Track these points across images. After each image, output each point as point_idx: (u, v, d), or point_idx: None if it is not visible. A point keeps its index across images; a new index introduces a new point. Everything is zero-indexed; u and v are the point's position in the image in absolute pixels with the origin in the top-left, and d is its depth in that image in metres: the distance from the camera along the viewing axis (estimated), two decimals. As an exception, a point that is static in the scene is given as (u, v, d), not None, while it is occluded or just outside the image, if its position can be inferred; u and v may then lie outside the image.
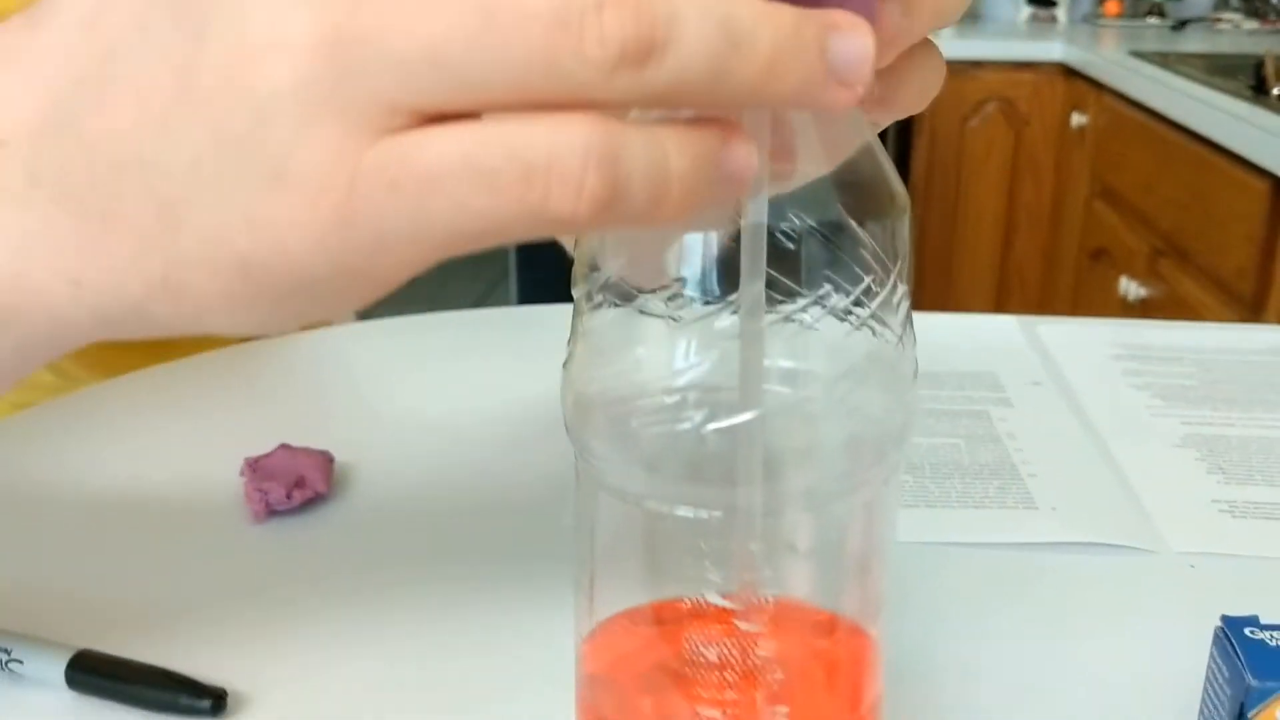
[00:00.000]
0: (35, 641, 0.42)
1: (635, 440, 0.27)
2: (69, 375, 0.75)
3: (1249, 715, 0.31)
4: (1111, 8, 2.90)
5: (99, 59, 0.26)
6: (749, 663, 0.27)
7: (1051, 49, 2.52)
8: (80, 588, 0.48)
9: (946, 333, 0.77)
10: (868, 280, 0.26)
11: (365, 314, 0.89)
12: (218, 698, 0.40)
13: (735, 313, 0.25)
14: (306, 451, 0.55)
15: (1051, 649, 0.45)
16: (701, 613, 0.27)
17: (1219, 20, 2.82)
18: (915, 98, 0.29)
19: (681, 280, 0.25)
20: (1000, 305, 2.63)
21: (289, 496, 0.52)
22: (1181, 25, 2.78)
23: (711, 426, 0.26)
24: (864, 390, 0.27)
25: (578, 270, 0.28)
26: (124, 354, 0.73)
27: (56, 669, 0.41)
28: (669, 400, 0.26)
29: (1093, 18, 2.93)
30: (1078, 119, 2.42)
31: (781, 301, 0.25)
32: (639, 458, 0.27)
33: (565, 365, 0.28)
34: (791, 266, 0.26)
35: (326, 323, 0.89)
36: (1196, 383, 0.69)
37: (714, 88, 0.23)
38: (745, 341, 0.25)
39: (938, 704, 0.41)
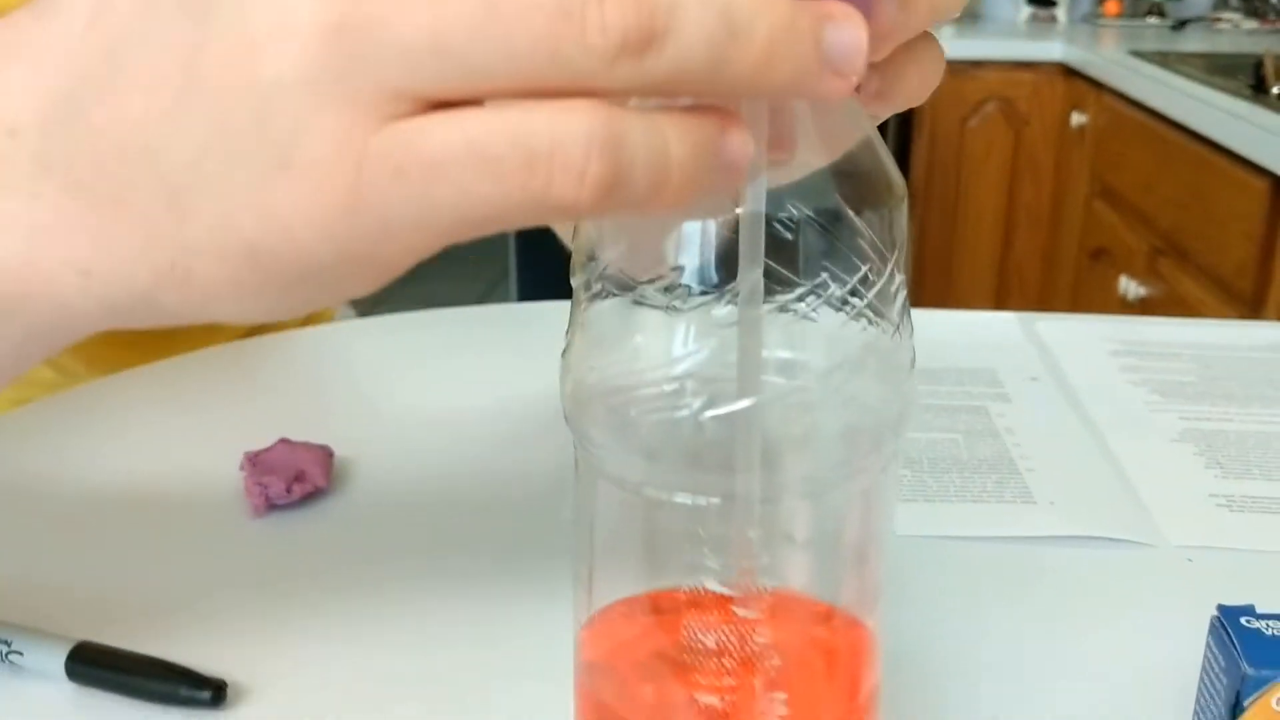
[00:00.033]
0: (35, 633, 0.42)
1: (634, 428, 0.27)
2: (68, 371, 0.75)
3: (1244, 704, 0.31)
4: (1111, 7, 2.90)
5: (106, 49, 0.26)
6: (747, 649, 0.27)
7: (1051, 49, 2.53)
8: (80, 581, 0.48)
9: (945, 329, 0.77)
10: (864, 269, 0.26)
11: (365, 311, 0.89)
12: (217, 689, 0.40)
13: (732, 301, 0.25)
14: (306, 446, 0.55)
15: (1049, 641, 0.45)
16: (700, 600, 0.28)
17: (1218, 20, 2.82)
18: (915, 90, 0.29)
19: (679, 269, 0.26)
20: (1000, 305, 2.63)
21: (288, 491, 0.52)
22: (1181, 25, 2.79)
23: (710, 414, 0.26)
24: (861, 379, 0.27)
25: (576, 259, 0.28)
26: (123, 350, 0.74)
27: (57, 661, 0.41)
28: (667, 388, 0.26)
29: (1092, 17, 2.93)
30: (1077, 118, 2.42)
31: (779, 290, 0.26)
32: (637, 445, 0.27)
33: (564, 354, 0.28)
34: (789, 255, 0.26)
35: (327, 315, 0.89)
36: (1195, 379, 0.70)
37: (713, 77, 0.23)
38: (743, 329, 0.25)
39: (936, 695, 0.42)
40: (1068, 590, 0.48)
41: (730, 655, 0.27)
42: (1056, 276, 2.54)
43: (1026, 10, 2.94)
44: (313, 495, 0.53)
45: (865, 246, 0.26)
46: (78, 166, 0.26)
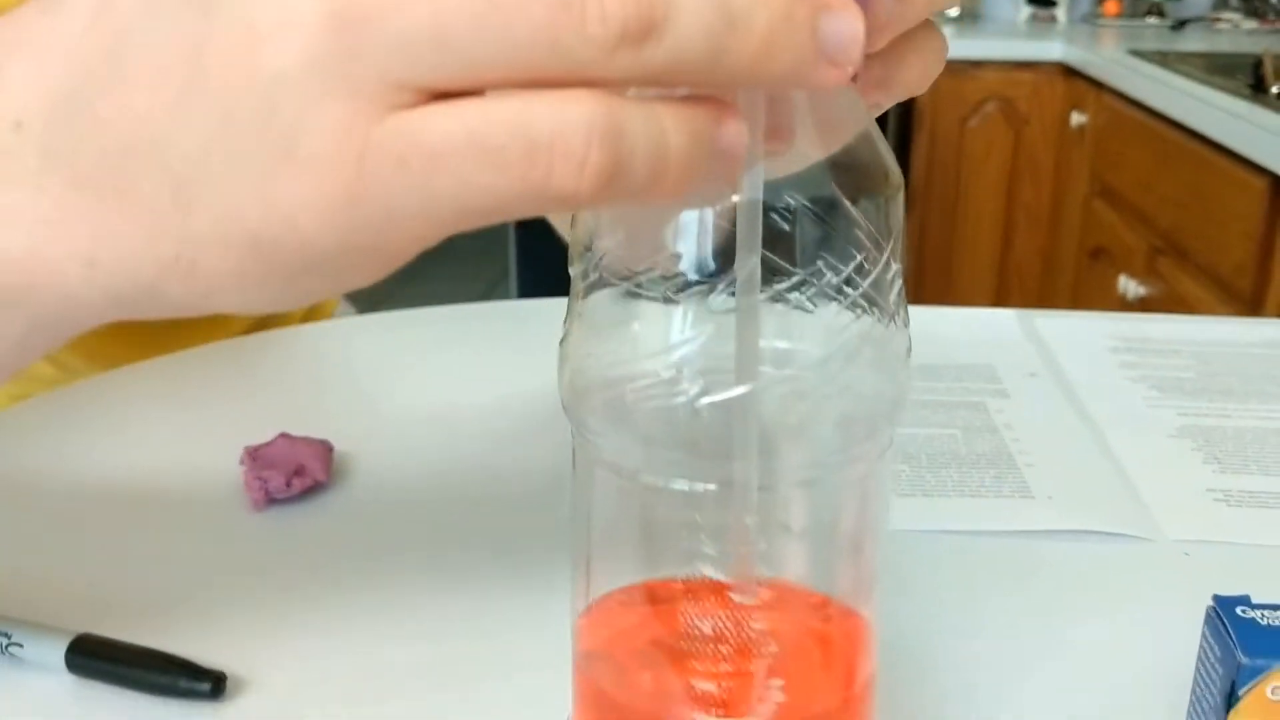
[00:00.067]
0: (35, 626, 0.42)
1: (631, 415, 0.28)
2: (68, 367, 0.75)
3: (1240, 693, 0.31)
4: (1111, 7, 2.90)
5: (111, 43, 0.26)
6: (743, 635, 0.27)
7: (1051, 49, 2.53)
8: (80, 575, 0.48)
9: (944, 326, 0.77)
10: (860, 258, 0.26)
11: (365, 310, 0.89)
12: (217, 680, 0.40)
13: (729, 289, 0.25)
14: (306, 441, 0.55)
15: (1047, 634, 0.45)
16: (697, 587, 0.28)
17: (1218, 20, 2.82)
18: (916, 79, 0.29)
19: (676, 257, 0.26)
20: (1000, 304, 2.62)
21: (288, 485, 0.53)
22: (1181, 25, 2.79)
23: (707, 400, 0.26)
24: (857, 367, 0.27)
25: (573, 249, 0.28)
26: (123, 346, 0.74)
27: (57, 653, 0.41)
28: (665, 375, 0.26)
29: (1092, 17, 2.93)
30: (1077, 118, 2.42)
31: (775, 278, 0.26)
32: (635, 432, 0.28)
33: (561, 343, 0.29)
34: (785, 244, 0.26)
35: (327, 312, 0.89)
36: (1193, 375, 0.70)
37: (711, 66, 0.23)
38: (741, 316, 0.25)
39: (934, 688, 0.42)
40: (1065, 584, 0.48)
41: (727, 642, 0.27)
42: (1056, 276, 2.54)
43: (1026, 10, 2.94)
44: (312, 489, 0.54)
45: (861, 235, 0.27)
46: (83, 159, 0.27)
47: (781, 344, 0.27)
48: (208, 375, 0.68)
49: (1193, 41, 2.56)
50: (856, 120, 0.28)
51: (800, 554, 0.29)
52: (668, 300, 0.26)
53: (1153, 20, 2.86)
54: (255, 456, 0.53)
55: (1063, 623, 0.46)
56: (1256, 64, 1.84)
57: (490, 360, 0.71)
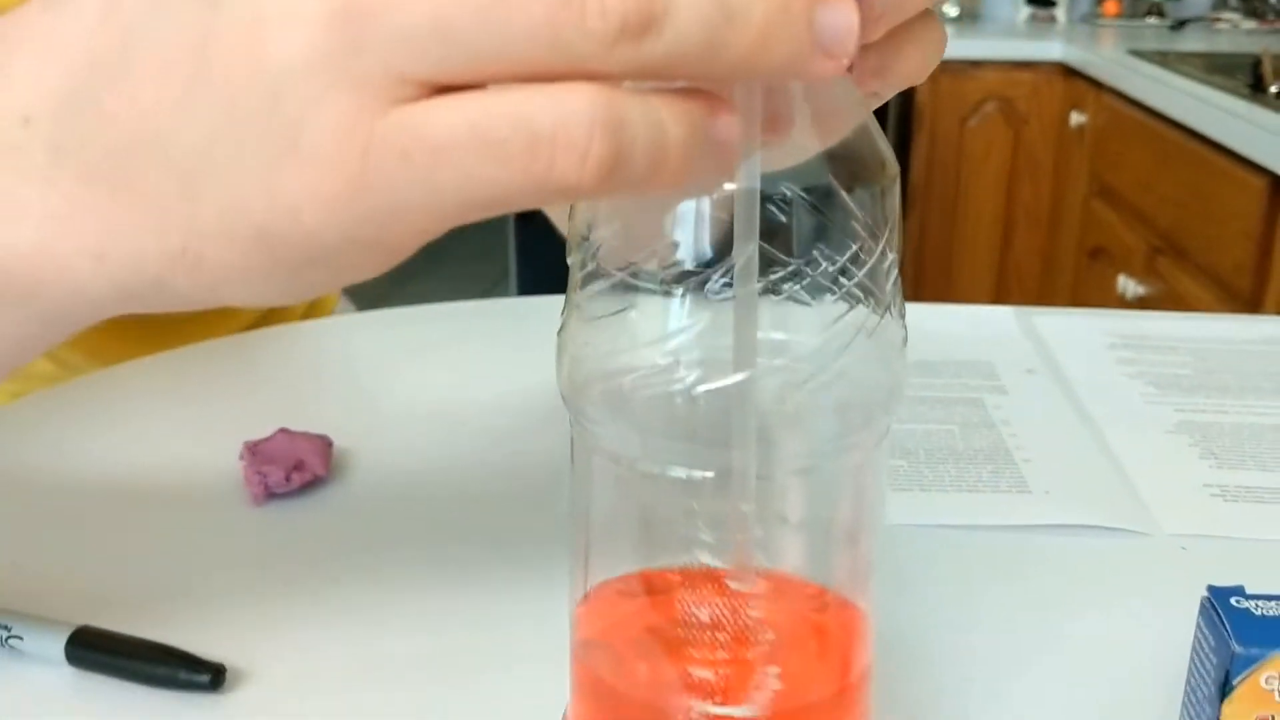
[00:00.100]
0: (35, 618, 0.42)
1: (629, 403, 0.28)
2: (67, 364, 0.75)
3: (1234, 682, 0.31)
4: (1110, 8, 2.90)
5: (118, 38, 0.27)
6: (740, 622, 0.27)
7: (1050, 49, 2.53)
8: (80, 569, 0.48)
9: (943, 322, 0.77)
10: (856, 247, 0.27)
11: (365, 308, 0.90)
12: (216, 672, 0.40)
13: (724, 277, 0.26)
14: (305, 436, 0.55)
15: (1043, 626, 0.45)
16: (694, 575, 0.28)
17: (1218, 20, 2.82)
18: (914, 69, 0.29)
19: (674, 245, 0.26)
20: (999, 303, 2.60)
21: (288, 479, 0.53)
22: (1180, 25, 2.79)
23: (706, 387, 0.26)
24: (853, 355, 0.27)
25: (571, 239, 0.28)
26: (123, 343, 0.74)
27: (56, 645, 0.41)
28: (662, 363, 0.26)
29: (1091, 17, 2.93)
30: (1076, 118, 2.43)
31: (771, 268, 0.26)
32: (632, 420, 0.28)
33: (560, 332, 0.29)
34: (781, 233, 0.26)
35: (327, 310, 0.89)
36: (1190, 371, 0.70)
37: (709, 59, 0.24)
38: (739, 304, 0.26)
39: (930, 679, 0.42)
40: (1062, 578, 0.49)
41: (724, 629, 0.28)
42: (1056, 275, 2.54)
43: (1026, 10, 2.95)
44: (312, 484, 0.54)
45: (857, 225, 0.27)
46: (91, 154, 0.27)
47: (778, 335, 0.27)
48: (208, 371, 0.68)
49: (1192, 41, 2.57)
50: (854, 112, 0.28)
51: (797, 543, 0.30)
52: (665, 289, 0.26)
53: (1152, 20, 2.86)
54: (255, 451, 0.53)
55: (1059, 616, 0.46)
56: (1255, 64, 1.85)
57: (490, 357, 0.71)
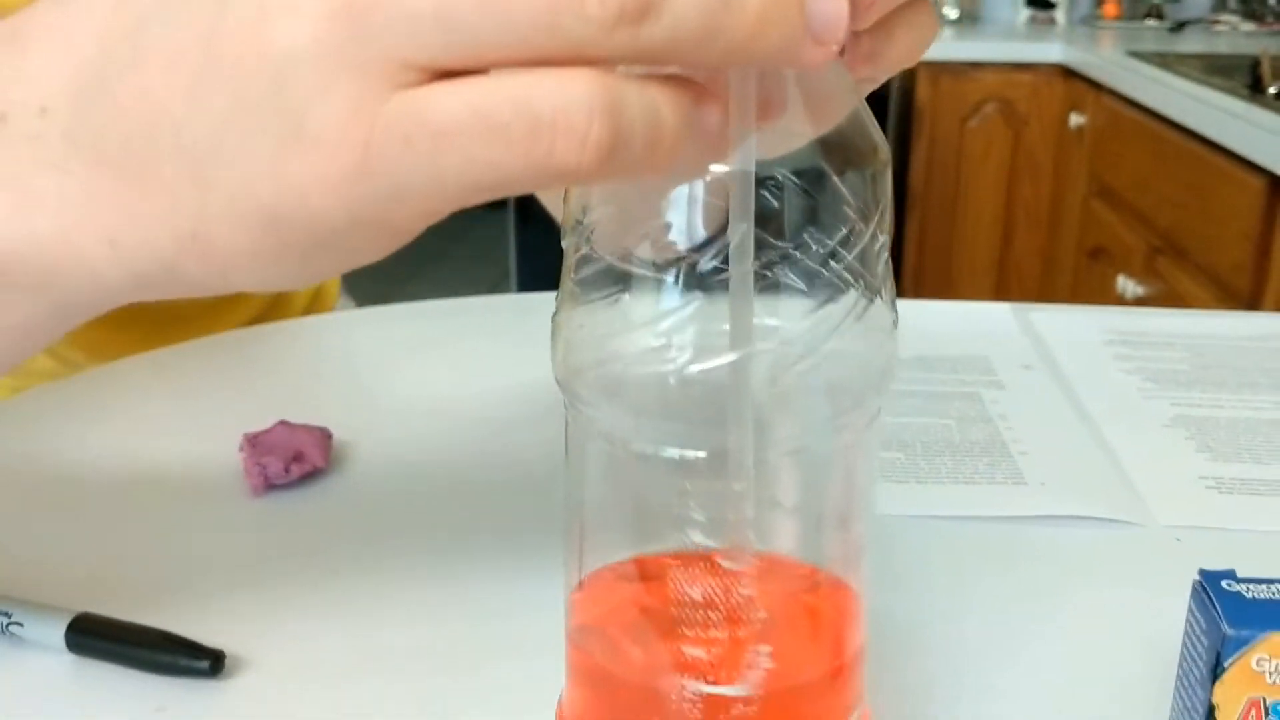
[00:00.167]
0: (36, 605, 0.42)
1: (623, 384, 0.28)
2: (67, 360, 0.75)
3: (1225, 664, 0.32)
4: (1110, 9, 2.91)
5: (129, 29, 0.27)
6: (733, 601, 0.28)
7: (1050, 50, 2.54)
8: (81, 558, 0.48)
9: (940, 319, 0.77)
10: (846, 230, 0.27)
11: (365, 305, 0.90)
12: (216, 659, 0.40)
13: (716, 259, 0.26)
14: (305, 428, 0.55)
15: (1038, 614, 0.45)
16: (687, 555, 0.28)
17: (1217, 22, 2.83)
18: (906, 53, 0.30)
19: (666, 227, 0.26)
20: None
21: (287, 470, 0.53)
22: (1179, 27, 2.79)
23: (699, 368, 0.26)
24: (843, 338, 0.27)
25: (566, 222, 0.29)
26: (123, 340, 0.74)
27: (57, 632, 0.41)
28: (655, 344, 0.27)
29: (1091, 19, 2.94)
30: (1076, 119, 2.43)
31: (762, 249, 0.26)
32: (626, 401, 0.28)
33: (554, 315, 0.29)
34: (773, 216, 0.26)
35: (327, 306, 0.90)
36: (1187, 367, 0.70)
37: (705, 45, 0.24)
38: (734, 283, 0.26)
39: (924, 663, 0.42)
40: (1056, 567, 0.49)
41: (716, 608, 0.28)
42: (1055, 276, 2.55)
43: (1026, 12, 2.95)
44: (311, 475, 0.54)
45: (848, 208, 0.27)
46: (105, 143, 0.28)
47: (769, 317, 0.27)
48: (208, 366, 0.69)
49: (1191, 43, 2.57)
50: (847, 98, 0.28)
51: (789, 524, 0.30)
52: (658, 271, 0.27)
53: (1151, 22, 2.87)
54: (254, 443, 0.54)
55: (1053, 604, 0.46)
56: (1254, 65, 1.85)
57: (489, 352, 0.71)
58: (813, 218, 0.27)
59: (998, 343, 0.73)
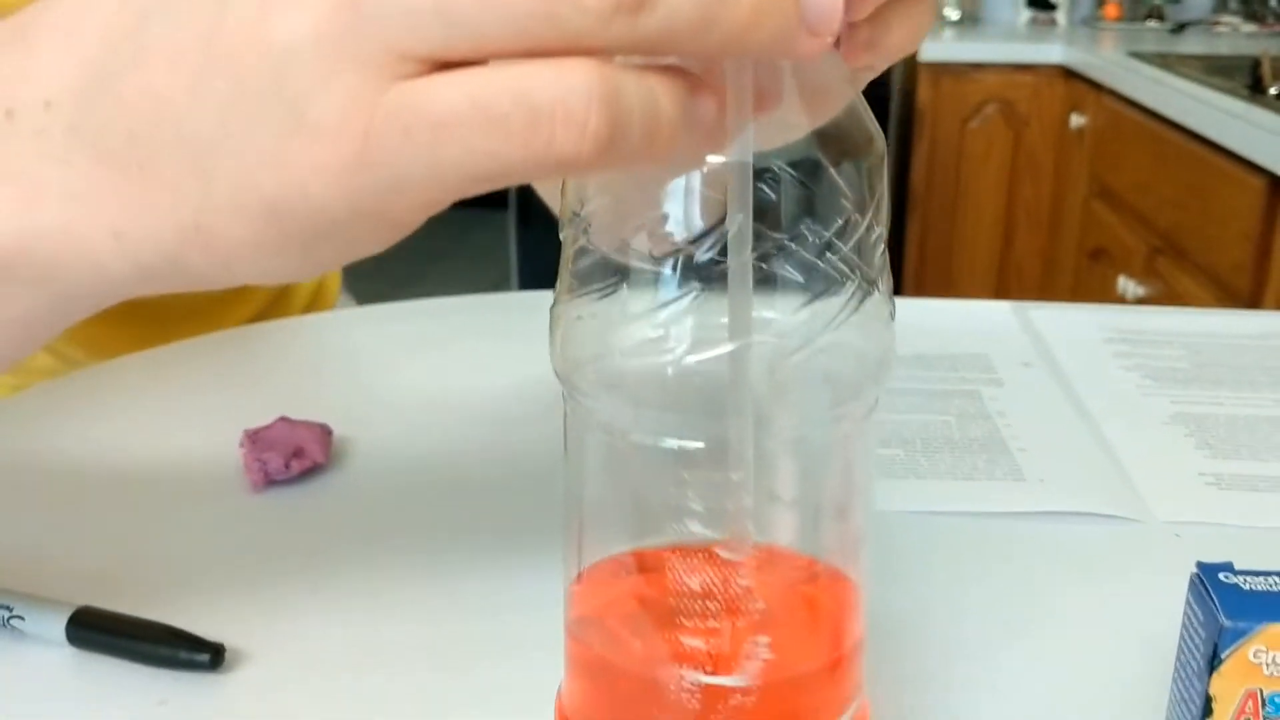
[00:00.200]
0: (37, 599, 0.42)
1: (621, 375, 0.28)
2: (67, 358, 0.76)
3: (1222, 655, 0.32)
4: (1111, 11, 2.91)
5: (133, 26, 0.28)
6: (731, 591, 0.28)
7: (1051, 51, 2.54)
8: (81, 553, 0.49)
9: (940, 317, 0.77)
10: (842, 221, 0.27)
11: (366, 303, 0.90)
12: (216, 652, 0.40)
13: (712, 249, 0.26)
14: (305, 424, 0.55)
15: (1036, 607, 0.45)
16: (686, 546, 0.28)
17: (1217, 23, 2.83)
18: (904, 41, 0.30)
19: (664, 217, 0.26)
20: (1000, 305, 2.63)
21: (287, 466, 0.53)
22: (1180, 28, 2.79)
23: (697, 358, 0.26)
24: (840, 329, 0.27)
25: (563, 214, 0.29)
26: (123, 338, 0.74)
27: (58, 625, 0.41)
28: (653, 334, 0.27)
29: (1092, 21, 2.94)
30: (1077, 120, 2.43)
31: (759, 240, 0.26)
32: (625, 392, 0.28)
33: (553, 307, 0.29)
34: (770, 208, 0.26)
35: (328, 304, 0.90)
36: (1186, 365, 0.70)
37: (701, 36, 0.24)
38: (733, 273, 0.26)
39: (923, 655, 0.42)
40: (1055, 562, 0.49)
41: (715, 599, 0.28)
42: (1056, 276, 2.55)
43: (1027, 13, 2.95)
44: (311, 471, 0.54)
45: (844, 199, 0.27)
46: (108, 136, 0.28)
47: (765, 307, 0.27)
48: (208, 363, 0.69)
49: (1192, 44, 2.57)
50: (843, 90, 0.28)
51: (787, 515, 0.30)
52: (656, 261, 0.27)
53: (1152, 23, 2.87)
54: (255, 439, 0.54)
55: (1051, 598, 0.46)
56: (1254, 65, 1.85)
57: (489, 349, 0.71)
58: (809, 209, 0.27)
59: (997, 341, 0.73)
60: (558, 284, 0.29)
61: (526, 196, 3.12)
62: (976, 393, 0.66)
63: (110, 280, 0.30)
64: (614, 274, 0.27)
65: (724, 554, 0.28)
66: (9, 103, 0.29)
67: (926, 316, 0.77)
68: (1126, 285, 2.05)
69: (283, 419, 0.55)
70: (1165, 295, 1.92)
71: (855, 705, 0.31)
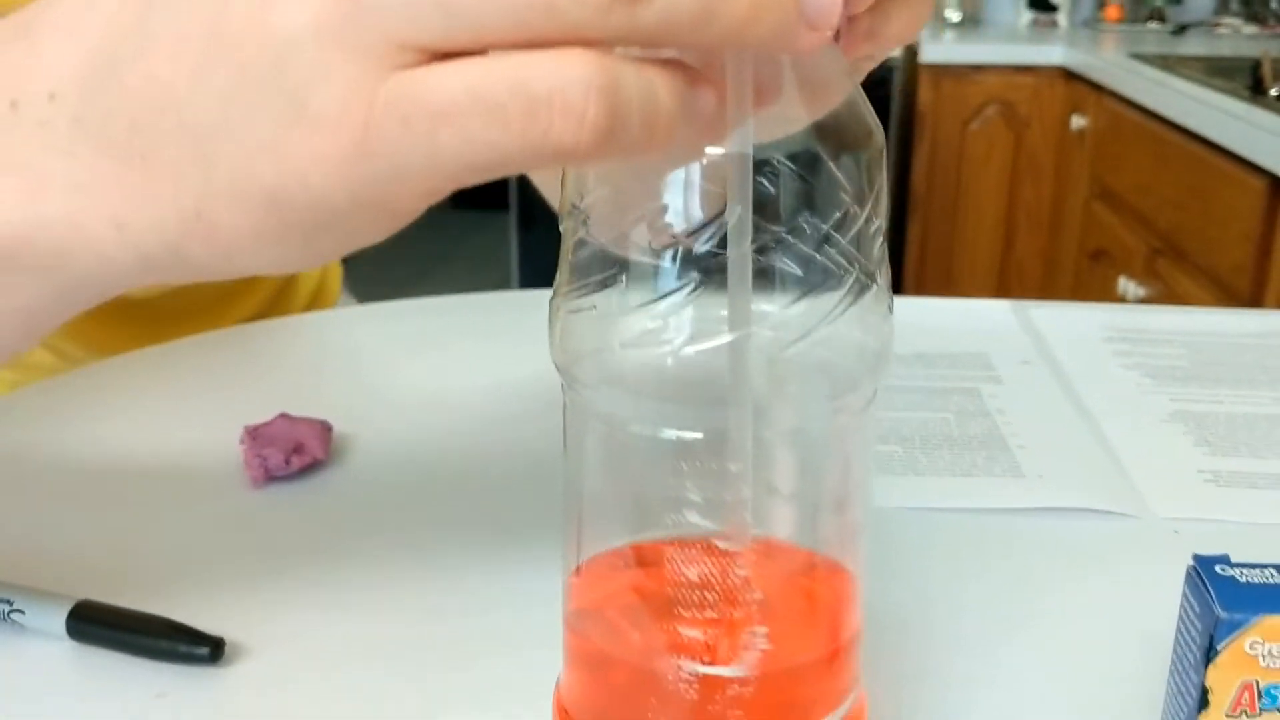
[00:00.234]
0: (37, 593, 0.42)
1: (620, 366, 0.28)
2: (67, 355, 0.76)
3: (1218, 647, 0.32)
4: (1112, 13, 2.91)
5: (136, 19, 0.28)
6: (729, 582, 0.28)
7: (1052, 53, 2.54)
8: (82, 548, 0.49)
9: (940, 316, 0.77)
10: (841, 213, 0.27)
11: (365, 295, 0.90)
12: (216, 645, 0.41)
13: (711, 240, 0.26)
14: (306, 420, 0.56)
15: (1033, 601, 0.45)
16: (685, 536, 0.28)
17: (1218, 25, 2.83)
18: (903, 29, 0.30)
19: (663, 209, 0.26)
20: (1000, 307, 2.63)
21: (287, 462, 0.53)
22: (1181, 30, 2.80)
23: (696, 348, 0.27)
24: (839, 321, 0.27)
25: (563, 204, 0.29)
26: (123, 335, 0.74)
27: (58, 619, 0.41)
28: (652, 325, 0.27)
29: (1093, 22, 2.94)
30: (1077, 121, 2.43)
31: (758, 232, 0.26)
32: (624, 383, 0.28)
33: (552, 299, 0.29)
34: (769, 200, 0.27)
35: (329, 302, 0.90)
36: (1186, 363, 0.70)
37: (699, 28, 0.24)
38: (733, 264, 0.26)
39: (921, 648, 0.42)
40: (1053, 557, 0.49)
41: (713, 589, 0.28)
42: (1057, 277, 2.55)
43: (1028, 15, 2.95)
44: (311, 467, 0.54)
45: (843, 192, 0.27)
46: (111, 126, 0.28)
47: (764, 299, 0.27)
48: (209, 361, 0.69)
49: (1193, 46, 2.57)
50: (842, 83, 0.28)
51: (785, 506, 0.30)
52: (655, 253, 0.27)
53: (1153, 25, 2.87)
54: (255, 435, 0.54)
55: (1050, 593, 0.46)
56: (1255, 66, 1.85)
57: (490, 347, 0.71)
58: (808, 202, 0.27)
59: (997, 339, 0.73)
60: (557, 276, 0.29)
61: (528, 199, 3.13)
62: (976, 390, 0.66)
63: (113, 270, 0.30)
64: (613, 266, 0.27)
65: (722, 545, 0.28)
66: (13, 95, 0.29)
67: (926, 315, 0.77)
68: (1127, 286, 2.05)
69: (283, 415, 0.55)
70: (1166, 296, 1.92)
71: (853, 697, 0.31)
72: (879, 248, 0.28)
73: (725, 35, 0.24)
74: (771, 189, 0.26)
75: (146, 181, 0.28)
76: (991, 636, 0.43)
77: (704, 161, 0.26)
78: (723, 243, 0.26)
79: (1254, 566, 0.33)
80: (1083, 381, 0.67)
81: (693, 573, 0.28)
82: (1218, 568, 0.33)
